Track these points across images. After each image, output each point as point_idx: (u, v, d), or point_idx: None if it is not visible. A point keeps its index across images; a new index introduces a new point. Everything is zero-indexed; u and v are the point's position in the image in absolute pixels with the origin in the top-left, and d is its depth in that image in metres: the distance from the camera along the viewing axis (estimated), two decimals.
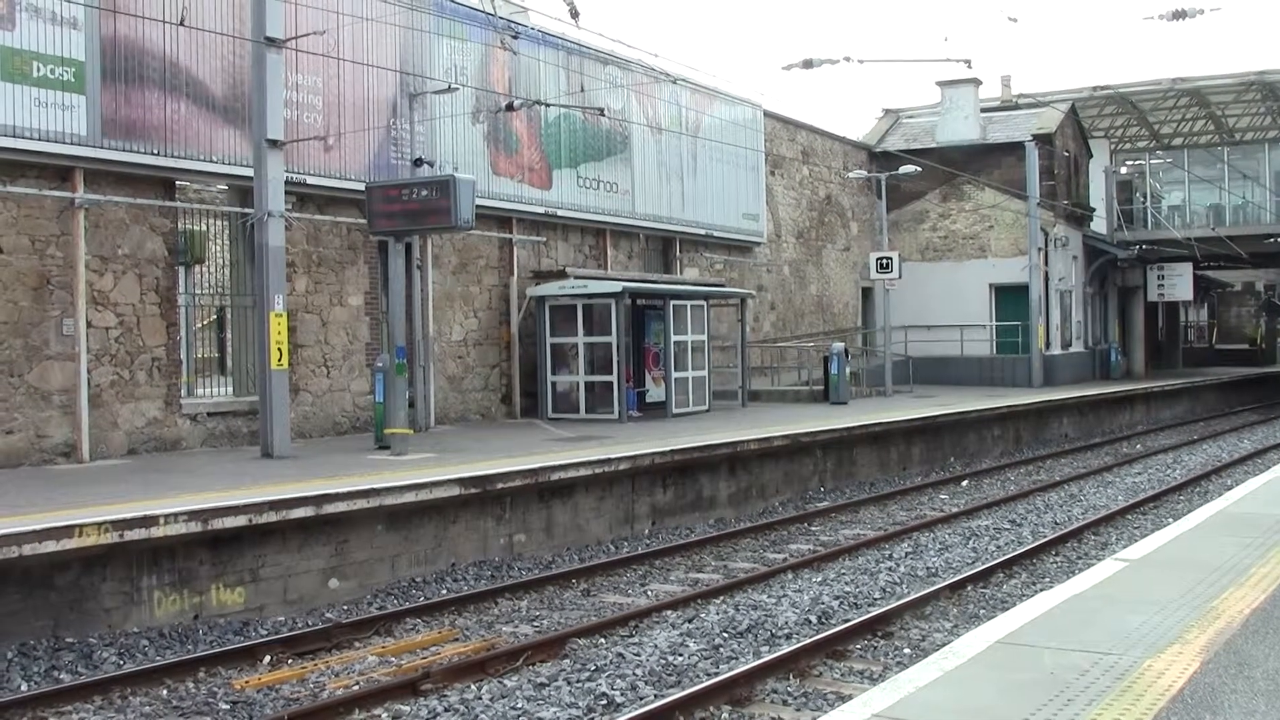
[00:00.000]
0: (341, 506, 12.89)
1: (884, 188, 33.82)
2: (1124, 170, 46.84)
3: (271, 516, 12.21)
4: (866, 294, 38.51)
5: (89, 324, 16.52)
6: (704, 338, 26.09)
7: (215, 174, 18.33)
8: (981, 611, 12.10)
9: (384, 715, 9.15)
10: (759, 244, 32.45)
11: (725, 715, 8.99)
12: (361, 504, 13.09)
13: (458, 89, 21.31)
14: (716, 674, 9.76)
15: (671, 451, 17.76)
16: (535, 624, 11.97)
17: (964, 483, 22.91)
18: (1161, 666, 6.65)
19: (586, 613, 12.47)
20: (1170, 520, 16.34)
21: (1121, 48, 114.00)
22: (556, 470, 15.69)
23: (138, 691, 9.76)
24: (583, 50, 25.21)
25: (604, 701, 9.19)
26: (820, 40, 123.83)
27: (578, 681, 9.67)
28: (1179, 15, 19.34)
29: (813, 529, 17.82)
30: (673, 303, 24.77)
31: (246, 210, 17.90)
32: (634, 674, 9.82)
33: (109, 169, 16.74)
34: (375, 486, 13.37)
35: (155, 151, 17.15)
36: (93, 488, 13.39)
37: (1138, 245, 44.02)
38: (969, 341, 37.87)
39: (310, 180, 19.33)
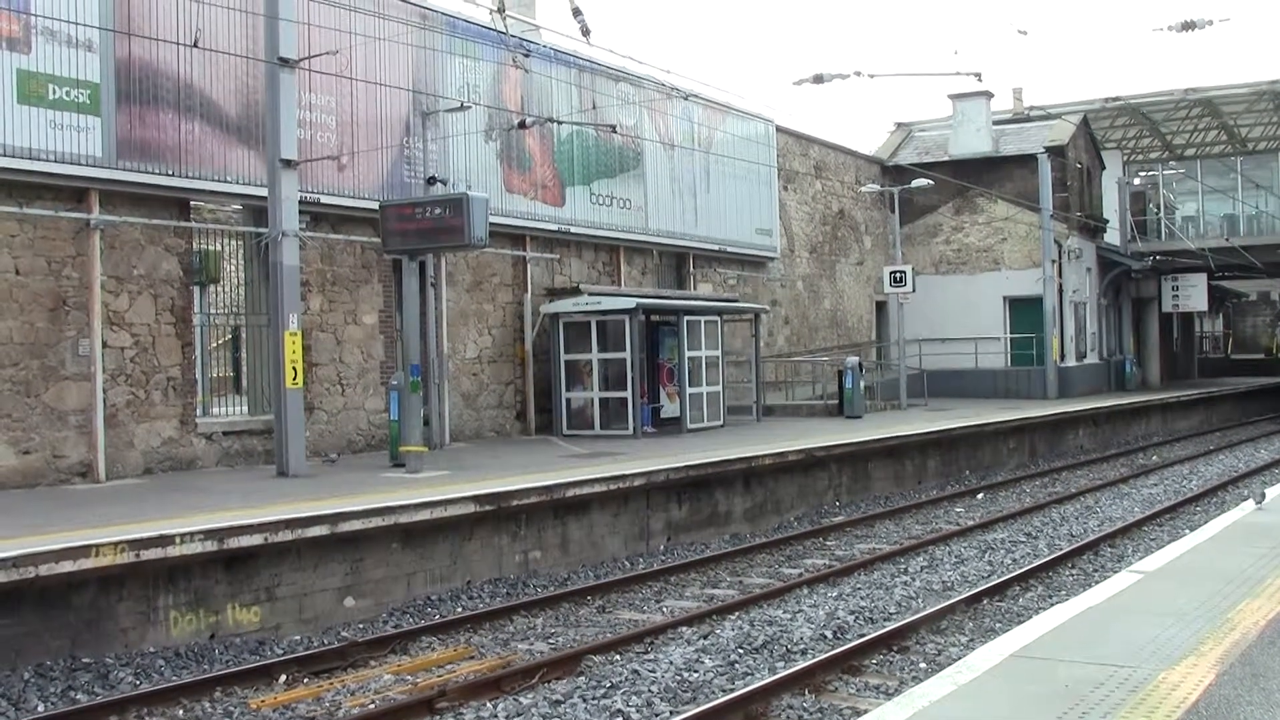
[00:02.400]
0: (357, 525, 12.91)
1: (897, 201, 33.82)
2: (1137, 181, 46.79)
3: (287, 535, 12.24)
4: (880, 308, 38.50)
5: (105, 344, 16.60)
6: (718, 353, 26.10)
7: (230, 194, 18.42)
8: (998, 625, 12.06)
9: None
10: (772, 259, 32.47)
11: None
12: (377, 522, 13.11)
13: (470, 107, 21.41)
14: (732, 690, 9.74)
15: (686, 467, 17.76)
16: (551, 641, 11.97)
17: (979, 496, 22.86)
18: (1177, 679, 6.64)
19: (602, 630, 12.47)
20: (1187, 531, 16.29)
21: (1132, 59, 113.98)
22: (571, 487, 15.70)
23: (154, 711, 9.78)
24: (595, 67, 25.29)
25: (620, 719, 9.18)
26: (831, 55, 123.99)
27: (593, 699, 9.66)
28: (1188, 26, 19.31)
29: (828, 544, 17.79)
30: (686, 318, 24.79)
31: (261, 230, 18.00)
32: (649, 691, 9.81)
33: (124, 190, 16.84)
34: (390, 504, 13.39)
35: (170, 172, 17.25)
36: (109, 507, 13.43)
37: (1151, 256, 43.95)
38: (983, 354, 37.81)
39: (324, 199, 19.43)
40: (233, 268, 20.09)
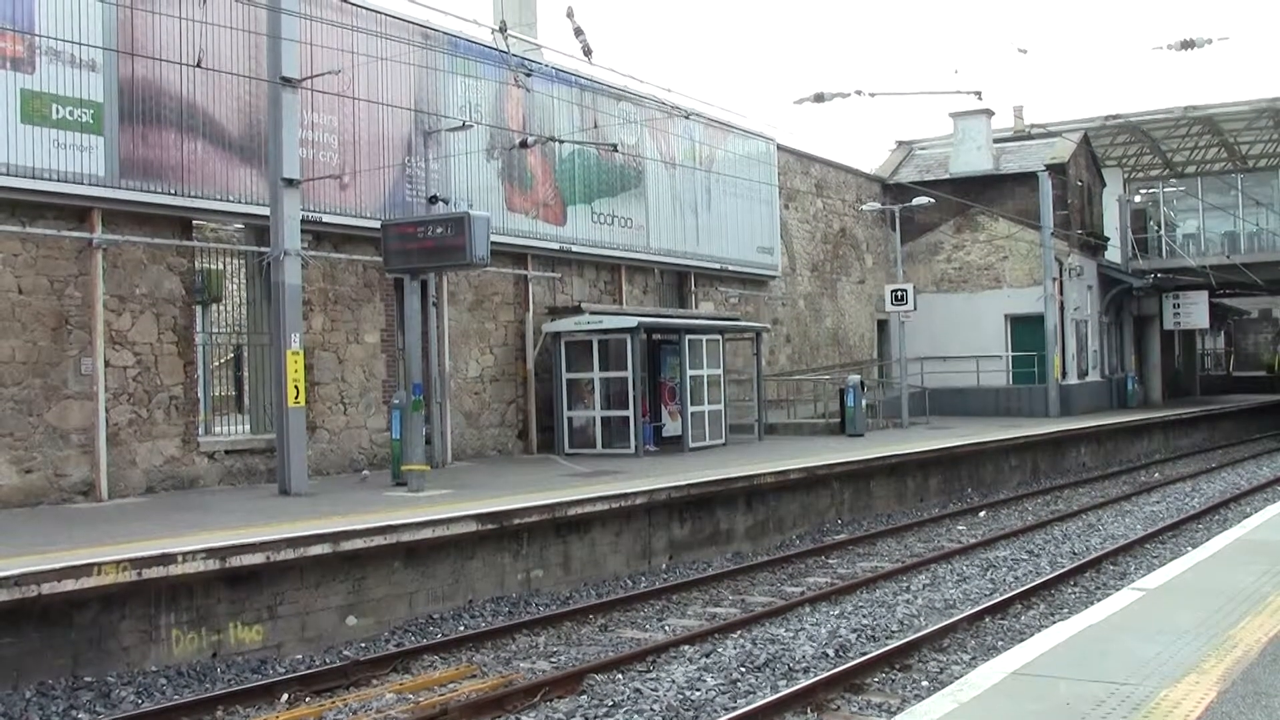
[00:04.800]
0: (359, 543, 12.91)
1: (898, 220, 33.87)
2: (1138, 199, 46.81)
3: (289, 554, 12.24)
4: (882, 326, 38.52)
5: (107, 363, 16.62)
6: (720, 371, 26.10)
7: (232, 213, 18.47)
8: (1000, 643, 12.04)
9: None
10: (774, 277, 32.50)
11: None
12: (379, 541, 13.11)
13: (472, 126, 21.46)
14: (734, 709, 9.73)
15: (688, 485, 17.76)
16: (553, 660, 11.96)
17: (981, 514, 22.84)
18: (1178, 696, 6.63)
19: (604, 648, 12.45)
20: (1189, 549, 16.28)
21: (1132, 77, 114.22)
22: (573, 505, 15.70)
23: None
24: (596, 86, 25.36)
25: None
26: (831, 74, 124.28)
27: (595, 718, 9.66)
28: (1188, 45, 19.37)
29: (830, 562, 17.77)
30: (688, 337, 24.80)
31: (263, 249, 18.03)
32: (652, 710, 9.80)
33: (127, 209, 16.88)
34: (392, 523, 13.39)
35: (172, 191, 17.29)
36: (111, 526, 13.44)
37: (1153, 274, 43.96)
38: (985, 372, 37.81)
39: (326, 218, 19.47)
40: (235, 287, 20.11)
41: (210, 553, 11.56)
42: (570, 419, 23.74)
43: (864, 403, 29.37)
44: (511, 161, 23.25)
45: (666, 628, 13.43)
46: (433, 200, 20.56)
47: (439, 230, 17.61)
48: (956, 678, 9.45)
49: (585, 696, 10.40)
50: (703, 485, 18.04)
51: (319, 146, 19.31)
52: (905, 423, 32.06)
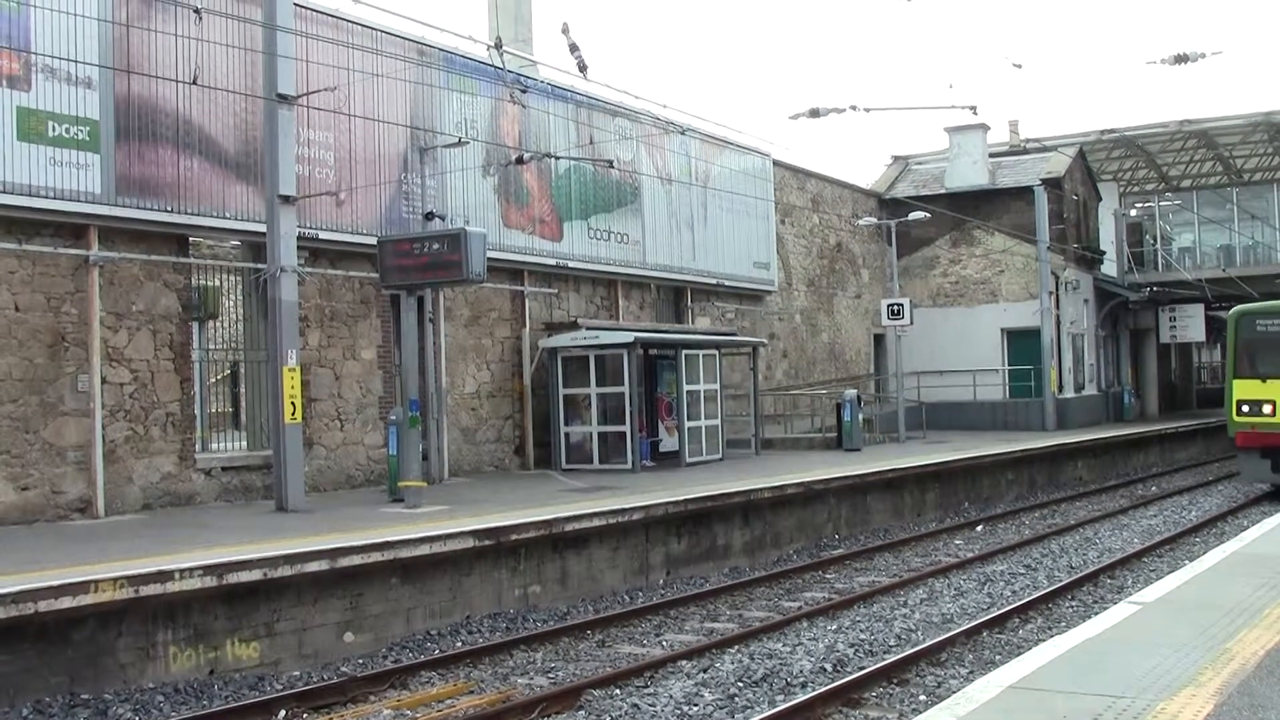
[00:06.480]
0: (356, 560, 12.90)
1: (894, 234, 33.91)
2: (1133, 213, 46.89)
3: (286, 570, 12.23)
4: (879, 340, 38.55)
5: (104, 380, 16.62)
6: (716, 386, 26.11)
7: (228, 230, 18.47)
8: (998, 657, 12.04)
9: None
10: (770, 292, 32.54)
11: None
12: (376, 557, 13.10)
13: (468, 143, 21.49)
14: None
15: (685, 501, 17.75)
16: (550, 675, 11.94)
17: (979, 528, 22.83)
18: (1175, 709, 6.63)
19: (602, 664, 12.44)
20: (1186, 562, 16.28)
21: (1127, 91, 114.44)
22: (570, 521, 15.69)
23: None
24: (592, 102, 25.41)
25: None
26: (827, 89, 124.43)
27: None
28: (1181, 59, 19.42)
29: (827, 576, 17.76)
30: (685, 352, 24.81)
31: (259, 265, 18.05)
32: None
33: (123, 226, 16.90)
34: (390, 539, 13.38)
35: (169, 208, 17.31)
36: (108, 543, 13.42)
37: (1149, 287, 44.04)
38: (982, 386, 37.83)
39: (322, 235, 19.48)
40: (231, 303, 20.12)
41: (207, 570, 11.55)
42: (567, 434, 23.75)
43: (861, 417, 29.36)
44: (508, 178, 23.28)
45: (664, 643, 13.42)
46: (429, 217, 20.58)
47: (435, 247, 17.65)
48: (954, 691, 9.45)
49: (583, 712, 10.39)
50: (700, 500, 18.04)
51: (315, 163, 19.34)
52: (902, 437, 32.07)
